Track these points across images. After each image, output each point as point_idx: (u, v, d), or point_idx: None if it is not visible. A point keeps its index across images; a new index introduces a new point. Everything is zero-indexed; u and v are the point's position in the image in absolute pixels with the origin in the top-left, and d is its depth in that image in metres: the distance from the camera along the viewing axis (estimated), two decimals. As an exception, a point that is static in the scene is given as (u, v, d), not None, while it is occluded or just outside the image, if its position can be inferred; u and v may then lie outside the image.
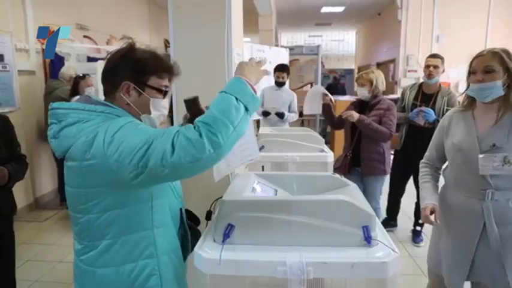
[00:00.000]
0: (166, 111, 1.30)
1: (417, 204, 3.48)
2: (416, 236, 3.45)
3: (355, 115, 2.89)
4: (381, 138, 2.91)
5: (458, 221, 1.74)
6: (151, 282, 1.18)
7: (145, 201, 1.16)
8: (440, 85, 3.27)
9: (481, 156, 1.62)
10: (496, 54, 1.62)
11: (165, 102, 1.28)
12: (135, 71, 1.19)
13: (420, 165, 1.99)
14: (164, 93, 1.26)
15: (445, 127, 1.84)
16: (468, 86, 1.70)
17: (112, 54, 1.23)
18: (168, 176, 1.02)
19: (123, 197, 1.12)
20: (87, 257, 1.18)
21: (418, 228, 3.46)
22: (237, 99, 1.04)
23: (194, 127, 1.00)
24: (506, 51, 1.63)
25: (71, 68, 4.42)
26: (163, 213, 1.22)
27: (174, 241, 1.26)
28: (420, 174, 1.96)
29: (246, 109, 1.05)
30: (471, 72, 1.68)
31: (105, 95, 1.23)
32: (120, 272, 1.16)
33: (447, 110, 3.12)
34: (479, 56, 1.67)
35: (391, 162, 3.12)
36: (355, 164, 3.02)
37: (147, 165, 0.99)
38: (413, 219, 3.54)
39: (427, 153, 1.98)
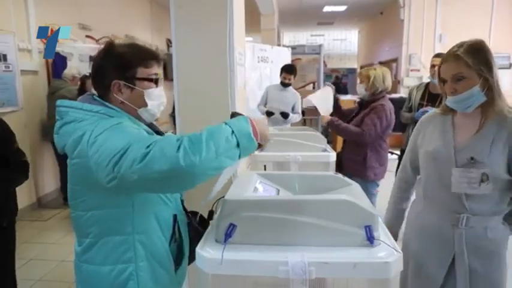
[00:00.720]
0: (164, 99, 1.28)
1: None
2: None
3: (325, 118, 2.88)
4: (356, 139, 2.76)
5: (427, 247, 1.49)
6: (129, 286, 1.19)
7: (126, 205, 1.16)
8: None
9: (455, 169, 1.37)
10: (460, 59, 1.34)
11: (160, 90, 1.26)
12: (120, 68, 1.19)
13: (396, 177, 1.77)
14: (156, 81, 1.24)
15: (420, 132, 1.58)
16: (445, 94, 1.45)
17: (95, 57, 1.23)
18: (137, 185, 0.96)
19: (104, 199, 1.14)
20: (78, 250, 1.23)
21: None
22: (232, 132, 1.00)
23: (177, 139, 0.96)
24: (471, 51, 1.35)
25: (73, 67, 4.45)
26: (147, 219, 1.21)
27: (159, 248, 1.25)
28: (392, 191, 1.77)
29: (238, 145, 1.00)
30: (442, 81, 1.43)
31: (99, 96, 1.23)
32: (100, 271, 1.19)
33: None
34: (444, 62, 1.41)
35: (380, 168, 2.87)
36: (341, 166, 2.93)
37: (120, 170, 0.94)
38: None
39: (402, 162, 1.73)
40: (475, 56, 1.34)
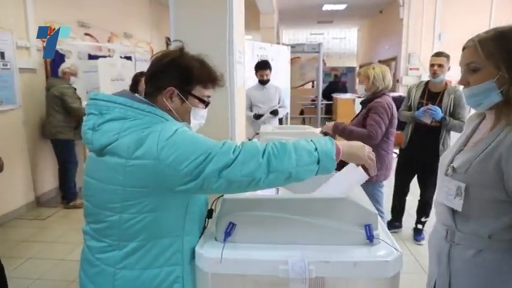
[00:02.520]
0: (203, 121, 1.30)
1: (420, 202, 3.47)
2: (417, 234, 3.44)
3: (329, 125, 2.81)
4: (363, 141, 2.65)
5: (431, 262, 1.38)
6: None
7: (181, 207, 1.14)
8: (446, 83, 3.26)
9: (440, 176, 1.27)
10: (476, 46, 1.12)
11: (204, 112, 1.28)
12: (181, 79, 1.19)
13: None
14: (206, 104, 1.26)
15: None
16: None
17: (160, 55, 1.22)
18: (218, 188, 1.03)
19: (162, 201, 1.09)
20: (108, 256, 1.13)
21: (420, 226, 3.45)
22: (316, 149, 1.07)
23: (261, 145, 1.05)
24: (496, 38, 1.10)
25: (68, 63, 4.40)
26: (193, 221, 1.19)
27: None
28: None
29: (318, 162, 1.07)
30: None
31: (146, 95, 1.22)
32: (143, 276, 1.12)
33: (454, 108, 3.11)
34: (464, 48, 1.19)
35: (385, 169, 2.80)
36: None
37: (201, 174, 1.01)
38: (415, 217, 3.52)
39: None
40: (498, 45, 1.09)
